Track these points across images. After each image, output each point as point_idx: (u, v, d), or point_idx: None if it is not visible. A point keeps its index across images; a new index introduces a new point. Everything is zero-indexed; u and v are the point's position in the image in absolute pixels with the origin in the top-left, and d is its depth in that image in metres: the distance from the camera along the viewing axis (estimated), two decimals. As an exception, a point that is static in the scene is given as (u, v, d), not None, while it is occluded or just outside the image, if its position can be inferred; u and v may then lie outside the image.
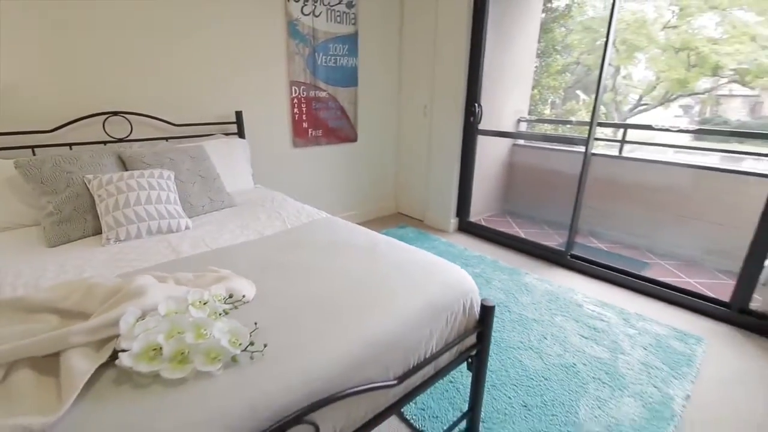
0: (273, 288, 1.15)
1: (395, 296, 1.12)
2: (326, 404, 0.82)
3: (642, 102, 7.32)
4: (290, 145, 2.93)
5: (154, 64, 2.22)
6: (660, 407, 1.50)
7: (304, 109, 2.90)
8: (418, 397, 1.50)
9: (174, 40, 2.26)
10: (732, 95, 6.86)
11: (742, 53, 5.82)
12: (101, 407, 0.73)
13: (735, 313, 2.08)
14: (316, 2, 2.75)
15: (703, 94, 6.85)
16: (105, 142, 2.09)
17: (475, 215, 3.65)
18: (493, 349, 1.76)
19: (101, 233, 1.62)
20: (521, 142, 4.11)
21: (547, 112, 6.32)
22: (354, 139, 3.31)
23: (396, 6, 3.30)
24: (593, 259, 2.66)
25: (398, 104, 3.60)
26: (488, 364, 1.34)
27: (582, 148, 2.57)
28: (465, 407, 1.41)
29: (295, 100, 2.84)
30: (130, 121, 2.15)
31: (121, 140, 2.14)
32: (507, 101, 3.75)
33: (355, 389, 0.87)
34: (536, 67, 4.29)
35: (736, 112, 6.87)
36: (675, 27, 6.45)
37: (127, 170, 1.83)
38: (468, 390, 1.46)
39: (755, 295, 2.08)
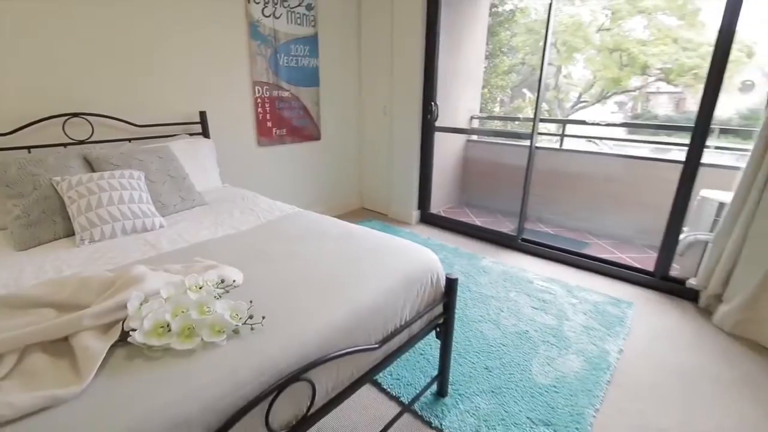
0: (259, 274, 1.25)
1: (372, 273, 1.26)
2: (319, 365, 0.94)
3: (582, 99, 7.92)
4: (255, 144, 2.98)
5: (115, 65, 2.21)
6: (598, 360, 1.76)
7: (267, 108, 2.96)
8: (393, 369, 1.67)
9: (135, 41, 2.25)
10: (659, 92, 7.61)
11: (666, 54, 6.47)
12: (118, 379, 0.81)
13: (658, 280, 2.43)
14: (276, 4, 2.82)
15: (634, 91, 7.53)
16: (65, 145, 2.05)
17: (436, 207, 3.87)
18: (457, 323, 1.95)
19: (73, 234, 1.63)
20: (474, 137, 4.39)
21: (497, 110, 6.70)
22: (318, 138, 3.41)
23: (353, 10, 3.43)
24: (541, 241, 2.96)
25: (359, 104, 3.73)
26: (453, 336, 1.52)
27: (528, 143, 2.84)
28: (435, 374, 1.58)
29: (259, 100, 2.89)
30: (91, 123, 2.13)
31: (82, 142, 2.11)
32: (460, 100, 4.00)
33: (343, 351, 1.00)
34: (485, 67, 4.57)
35: (663, 108, 7.62)
36: (608, 29, 7.02)
37: (94, 172, 1.83)
38: (437, 360, 1.64)
39: (674, 264, 2.43)
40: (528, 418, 1.45)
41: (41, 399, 0.71)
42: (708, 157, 2.23)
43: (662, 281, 2.42)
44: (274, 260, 1.36)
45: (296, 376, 0.90)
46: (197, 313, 0.92)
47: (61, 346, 0.88)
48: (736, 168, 2.05)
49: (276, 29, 2.86)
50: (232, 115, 2.80)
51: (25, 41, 1.92)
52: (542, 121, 3.36)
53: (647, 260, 2.83)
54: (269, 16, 2.81)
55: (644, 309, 2.22)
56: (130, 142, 2.27)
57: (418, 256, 1.41)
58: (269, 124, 3.00)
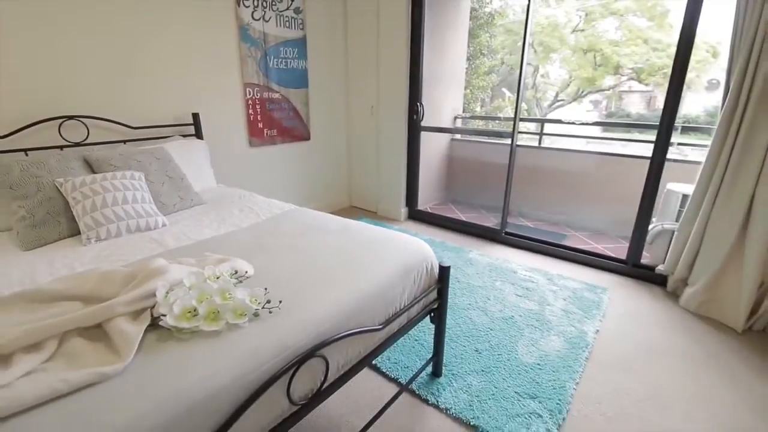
0: (267, 265, 1.34)
1: (373, 262, 1.37)
2: (332, 343, 1.05)
3: (558, 98, 8.20)
4: (247, 144, 3.04)
5: (109, 67, 2.24)
6: (577, 340, 1.92)
7: (258, 109, 3.02)
8: (390, 354, 1.79)
9: (129, 44, 2.30)
10: (631, 91, 7.96)
11: (638, 54, 6.77)
12: (154, 358, 0.90)
13: (630, 268, 2.62)
14: (265, 8, 2.89)
15: (608, 90, 7.85)
16: (62, 147, 2.08)
17: (423, 204, 4.01)
18: (448, 311, 2.08)
19: (77, 234, 1.68)
20: (458, 136, 4.55)
21: (478, 109, 6.89)
22: (307, 138, 3.49)
23: (340, 13, 3.52)
24: (523, 234, 3.13)
25: (347, 104, 3.83)
26: (445, 322, 1.65)
27: (509, 141, 3.00)
28: (429, 356, 1.70)
29: (250, 102, 2.96)
30: (86, 125, 2.16)
31: (78, 144, 2.14)
32: (444, 100, 4.15)
33: (352, 331, 1.11)
34: (467, 69, 4.74)
35: (635, 106, 7.97)
36: (582, 30, 7.30)
37: (94, 173, 1.88)
38: (431, 345, 1.77)
39: (645, 253, 2.63)
40: (516, 392, 1.59)
41: (91, 375, 0.80)
42: (677, 153, 2.43)
43: (634, 268, 2.61)
44: (279, 253, 1.46)
45: (312, 352, 1.00)
46: (220, 299, 1.01)
47: (95, 332, 0.96)
48: (698, 162, 2.24)
49: (265, 32, 2.93)
50: (224, 117, 2.86)
51: (18, 44, 1.94)
52: (522, 120, 3.53)
53: (620, 249, 3.03)
54: (259, 20, 2.87)
55: (618, 294, 2.41)
56: (125, 143, 2.32)
57: (414, 247, 1.53)
58: (260, 125, 3.07)
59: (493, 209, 4.12)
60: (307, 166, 3.60)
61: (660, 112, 2.31)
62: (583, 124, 4.68)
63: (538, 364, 1.74)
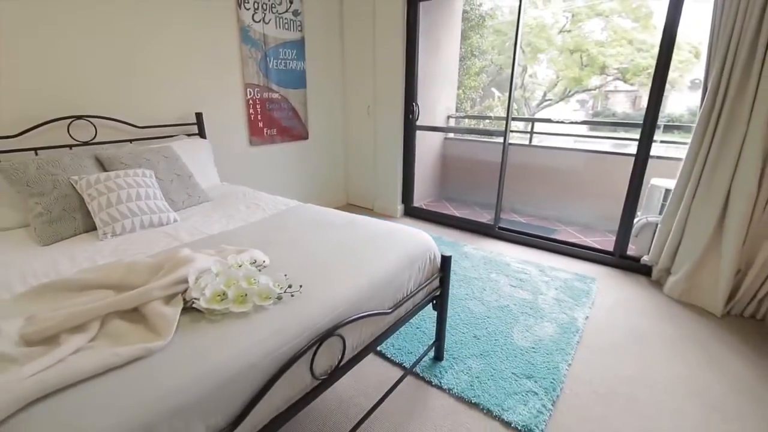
0: (281, 256, 1.43)
1: (381, 252, 1.47)
2: (348, 323, 1.15)
3: (546, 98, 8.39)
4: (247, 143, 3.11)
5: (115, 68, 2.30)
6: (568, 326, 2.04)
7: (259, 109, 3.10)
8: (394, 341, 1.89)
9: (135, 46, 2.36)
10: (617, 90, 8.18)
11: (623, 54, 6.97)
12: (190, 337, 0.98)
13: (617, 259, 2.77)
14: (265, 10, 2.96)
15: (594, 90, 8.06)
16: (71, 146, 2.14)
17: (418, 201, 4.12)
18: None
19: (94, 230, 1.75)
20: (452, 135, 4.67)
21: (469, 109, 7.03)
22: (306, 137, 3.57)
23: (337, 16, 3.61)
24: (516, 229, 3.26)
25: (344, 104, 3.92)
26: (446, 309, 1.75)
27: (501, 140, 3.12)
28: (432, 342, 1.80)
29: (251, 102, 3.03)
30: (94, 125, 2.22)
31: (87, 143, 2.20)
32: (438, 100, 4.26)
33: (365, 314, 1.21)
34: (459, 69, 4.86)
35: (621, 105, 8.20)
36: (569, 31, 7.48)
37: (105, 171, 1.94)
38: (432, 332, 1.88)
39: (630, 245, 2.77)
40: (513, 373, 1.70)
41: (139, 350, 0.88)
42: (660, 150, 2.57)
43: (620, 259, 2.76)
44: (290, 245, 1.54)
45: (331, 331, 1.09)
46: (246, 284, 1.10)
47: (133, 315, 1.04)
48: (679, 159, 2.38)
49: (265, 34, 3.01)
50: (226, 117, 2.92)
51: (24, 45, 1.99)
52: (514, 119, 3.66)
53: (607, 242, 3.18)
54: (259, 22, 2.95)
55: (606, 283, 2.55)
56: (131, 142, 2.37)
57: (417, 238, 1.63)
58: (260, 124, 3.14)
59: (486, 206, 4.25)
60: (306, 165, 3.68)
61: (644, 111, 2.45)
62: (571, 122, 4.85)
63: (533, 348, 1.86)
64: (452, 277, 2.51)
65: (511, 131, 3.14)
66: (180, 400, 0.81)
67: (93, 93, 2.24)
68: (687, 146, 2.26)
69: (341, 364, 1.17)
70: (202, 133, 2.70)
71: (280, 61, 3.15)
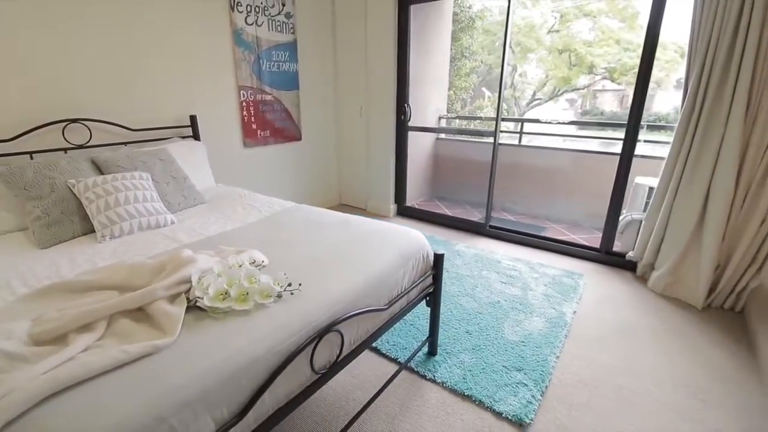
0: (279, 256, 1.47)
1: (376, 250, 1.53)
2: (346, 320, 1.19)
3: (536, 97, 8.51)
4: (241, 145, 3.14)
5: (108, 71, 2.31)
6: (557, 320, 2.12)
7: (252, 111, 3.12)
8: (389, 337, 1.94)
9: (128, 50, 2.37)
10: (605, 90, 8.33)
11: (610, 54, 7.10)
12: (196, 333, 1.02)
13: (604, 255, 2.85)
14: (258, 13, 2.99)
15: (582, 89, 8.19)
16: (66, 150, 2.15)
17: (411, 200, 4.18)
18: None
19: (92, 232, 1.77)
20: (443, 136, 4.73)
21: (460, 109, 7.11)
22: (299, 138, 3.61)
23: (329, 18, 3.65)
24: (506, 227, 3.33)
25: (337, 106, 3.96)
26: (440, 305, 1.81)
27: (491, 140, 3.19)
28: (425, 338, 1.86)
29: (244, 104, 3.06)
30: (89, 128, 2.23)
31: (81, 146, 2.21)
32: (430, 101, 4.33)
33: (362, 310, 1.26)
34: (449, 70, 4.93)
35: (609, 104, 8.35)
36: (558, 31, 7.59)
37: (102, 174, 1.96)
38: (426, 328, 1.93)
39: (616, 242, 2.86)
40: (503, 366, 1.76)
41: (147, 347, 0.92)
42: (647, 149, 2.65)
43: (607, 256, 2.85)
44: (288, 245, 1.59)
45: (330, 327, 1.14)
46: (248, 283, 1.14)
47: (138, 314, 1.08)
48: (662, 158, 2.47)
49: (258, 36, 3.03)
50: (220, 119, 2.95)
51: (20, 49, 2.00)
52: (503, 120, 3.74)
53: (594, 239, 3.27)
54: (252, 24, 2.97)
55: (593, 279, 2.63)
56: (126, 145, 2.39)
57: (411, 237, 1.69)
58: (254, 126, 3.17)
59: (477, 205, 4.33)
60: (299, 166, 3.71)
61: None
62: (559, 123, 4.94)
63: (523, 342, 1.93)
64: (445, 274, 2.59)
65: (501, 131, 3.21)
66: (187, 394, 0.85)
67: (87, 96, 2.25)
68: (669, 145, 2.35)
69: (339, 358, 1.22)
70: (196, 135, 2.72)
71: (273, 63, 3.18)
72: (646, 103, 2.49)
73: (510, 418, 1.49)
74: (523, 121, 5.44)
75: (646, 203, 2.66)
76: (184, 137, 2.67)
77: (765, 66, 1.97)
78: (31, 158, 2.01)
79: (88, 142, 2.24)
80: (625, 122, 2.59)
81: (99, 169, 1.99)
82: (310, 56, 3.52)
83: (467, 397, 1.60)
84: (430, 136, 4.58)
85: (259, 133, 3.22)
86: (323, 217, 1.95)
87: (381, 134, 3.71)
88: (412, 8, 3.35)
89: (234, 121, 3.05)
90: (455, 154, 4.65)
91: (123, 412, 0.77)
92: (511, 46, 7.67)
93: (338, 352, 1.22)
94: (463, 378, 1.69)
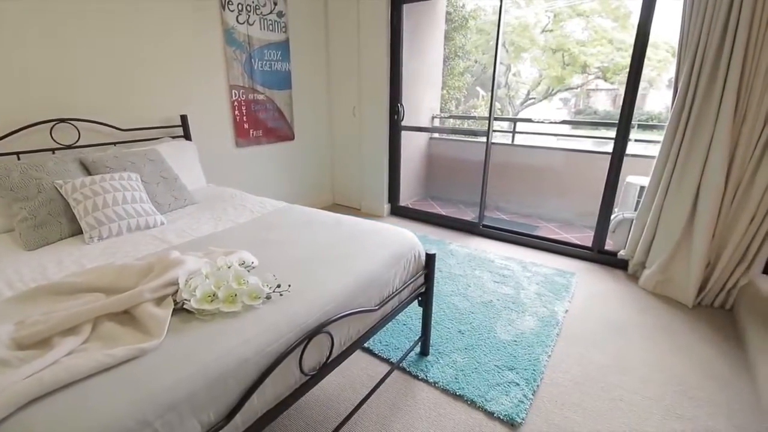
0: (270, 256, 1.46)
1: (367, 250, 1.52)
2: (336, 321, 1.19)
3: (530, 96, 8.54)
4: (233, 145, 3.12)
5: (97, 71, 2.28)
6: (549, 319, 2.12)
7: (244, 111, 3.11)
8: (381, 337, 1.93)
9: (117, 49, 2.34)
10: (598, 89, 8.38)
11: (603, 54, 7.15)
12: (182, 336, 1.01)
13: (596, 254, 2.87)
14: (249, 12, 2.97)
15: (576, 88, 8.24)
16: (54, 150, 2.12)
17: (404, 200, 4.18)
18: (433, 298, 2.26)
19: (78, 234, 1.75)
20: (436, 135, 4.74)
21: (454, 109, 7.12)
22: (291, 138, 3.59)
23: (321, 17, 3.63)
24: (499, 227, 3.34)
25: (330, 105, 3.94)
26: (432, 305, 1.81)
27: (484, 139, 3.20)
28: (417, 338, 1.86)
29: (236, 103, 3.03)
30: (77, 128, 2.21)
31: (70, 146, 2.18)
32: (423, 101, 4.33)
33: (352, 311, 1.25)
34: (443, 70, 4.93)
35: (602, 103, 8.40)
36: (551, 31, 7.63)
37: (90, 174, 1.94)
38: (418, 328, 1.93)
39: (608, 240, 2.88)
40: (495, 366, 1.77)
41: (132, 350, 0.91)
42: (639, 148, 2.65)
43: (599, 254, 2.86)
44: (279, 245, 1.58)
45: (319, 329, 1.14)
46: (236, 284, 1.13)
47: (124, 317, 1.06)
48: (653, 157, 2.48)
49: (250, 35, 3.01)
50: (211, 118, 2.93)
51: (7, 49, 1.97)
52: (496, 119, 3.75)
53: (586, 238, 3.28)
54: (243, 23, 2.95)
55: (585, 277, 2.64)
56: (115, 145, 2.36)
57: (402, 237, 1.68)
58: (246, 125, 3.15)
59: (471, 204, 4.34)
60: (292, 166, 3.70)
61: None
62: (551, 122, 4.96)
63: (515, 341, 1.93)
64: (438, 274, 2.59)
65: (495, 131, 3.22)
66: (172, 397, 0.84)
67: (76, 96, 2.23)
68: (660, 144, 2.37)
69: (329, 360, 1.22)
70: (187, 135, 2.70)
71: (265, 62, 3.16)
72: (638, 102, 2.50)
73: (502, 417, 1.49)
74: (515, 120, 5.46)
75: (638, 202, 2.68)
76: (174, 137, 2.65)
77: (754, 65, 1.98)
78: (18, 159, 1.99)
79: (76, 142, 2.21)
80: (616, 122, 2.60)
81: (87, 170, 1.96)
82: (303, 55, 3.51)
83: (459, 397, 1.60)
84: (424, 136, 4.58)
85: (251, 132, 3.20)
86: (315, 218, 1.94)
87: (374, 134, 3.70)
88: (405, 7, 3.34)
89: (226, 120, 3.03)
90: (449, 153, 4.65)
91: (105, 415, 0.76)
92: (504, 46, 7.71)
93: (328, 353, 1.21)
94: (455, 378, 1.69)
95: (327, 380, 1.62)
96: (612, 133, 2.64)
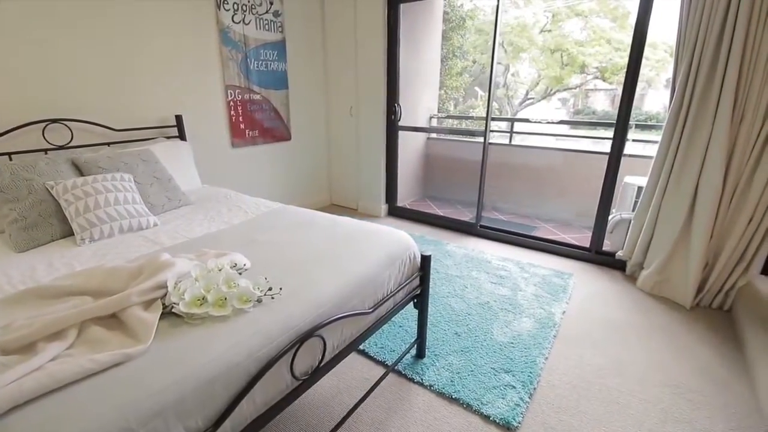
0: (263, 258, 1.45)
1: (361, 251, 1.50)
2: (328, 324, 1.17)
3: (529, 96, 8.53)
4: (229, 145, 3.10)
5: (91, 71, 2.26)
6: (546, 320, 2.11)
7: (240, 111, 3.08)
8: (376, 339, 1.92)
9: (111, 48, 2.32)
10: (596, 89, 8.37)
11: (601, 54, 7.14)
12: (170, 341, 0.99)
13: (593, 255, 2.85)
14: (245, 11, 2.95)
15: (574, 89, 8.23)
16: (46, 150, 2.10)
17: (401, 201, 4.16)
18: (429, 299, 2.23)
19: (69, 235, 1.73)
20: (434, 135, 4.72)
21: (452, 109, 7.10)
22: (288, 138, 3.57)
23: (318, 17, 3.61)
24: (496, 227, 3.33)
25: (327, 105, 3.93)
26: (427, 307, 1.79)
27: (482, 139, 3.18)
28: (413, 341, 1.84)
29: (232, 103, 3.01)
30: (70, 128, 2.18)
31: (62, 147, 2.16)
32: (420, 101, 4.31)
33: (346, 314, 1.24)
34: (440, 70, 4.92)
35: (601, 103, 8.40)
36: (550, 31, 7.62)
37: (82, 175, 1.92)
38: (414, 330, 1.91)
39: (606, 241, 2.86)
40: (492, 368, 1.75)
41: (117, 356, 0.89)
42: (637, 148, 2.64)
43: (596, 255, 2.85)
44: (272, 247, 1.56)
45: (311, 333, 1.12)
46: (226, 287, 1.11)
47: (111, 321, 1.04)
48: (651, 157, 2.47)
49: (246, 35, 2.99)
50: (207, 118, 2.90)
51: (5, 49, 1.95)
52: (493, 119, 3.73)
53: (584, 239, 3.26)
54: (239, 23, 2.93)
55: (582, 278, 2.63)
56: (109, 146, 2.34)
57: (398, 238, 1.66)
58: (242, 126, 3.13)
59: (468, 204, 4.32)
60: (289, 166, 3.68)
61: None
62: (549, 122, 4.95)
63: (512, 343, 1.92)
64: (435, 275, 2.57)
65: (492, 131, 3.20)
66: (159, 403, 0.82)
67: (69, 96, 2.20)
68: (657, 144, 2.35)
69: (322, 364, 1.20)
70: (182, 136, 2.68)
71: (261, 62, 3.14)
72: (636, 102, 2.49)
73: (498, 421, 1.47)
74: (513, 120, 5.45)
75: (635, 202, 2.66)
76: (169, 137, 2.63)
77: (751, 65, 1.97)
78: (10, 159, 1.96)
79: (69, 142, 2.19)
80: (614, 122, 2.58)
81: (79, 171, 1.94)
82: (299, 55, 3.49)
83: (455, 400, 1.58)
84: (421, 136, 4.56)
85: (247, 132, 3.18)
86: (310, 219, 1.92)
87: (371, 134, 3.68)
88: (402, 7, 3.33)
89: (221, 120, 3.01)
90: (446, 153, 4.64)
91: (88, 422, 0.74)
92: (503, 46, 7.69)
93: (320, 357, 1.19)
94: (451, 381, 1.67)
95: (321, 383, 1.61)
96: (610, 133, 2.63)
